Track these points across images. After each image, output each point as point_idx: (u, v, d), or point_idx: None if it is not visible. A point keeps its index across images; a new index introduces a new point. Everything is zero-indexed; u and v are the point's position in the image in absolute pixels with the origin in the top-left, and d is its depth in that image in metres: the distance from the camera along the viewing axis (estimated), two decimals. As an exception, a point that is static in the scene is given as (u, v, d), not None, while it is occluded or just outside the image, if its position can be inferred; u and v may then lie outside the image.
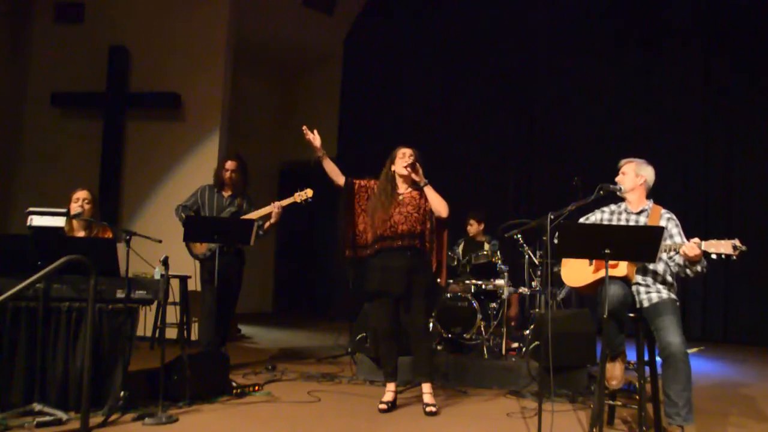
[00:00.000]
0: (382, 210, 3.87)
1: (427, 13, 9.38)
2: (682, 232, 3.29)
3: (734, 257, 2.96)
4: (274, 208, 4.62)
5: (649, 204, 3.41)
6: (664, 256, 3.23)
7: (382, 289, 3.86)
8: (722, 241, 2.98)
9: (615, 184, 3.43)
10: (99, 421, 3.26)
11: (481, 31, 9.06)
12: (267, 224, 4.66)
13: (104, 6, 7.33)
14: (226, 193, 4.88)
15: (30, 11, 7.51)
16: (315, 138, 3.97)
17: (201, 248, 4.77)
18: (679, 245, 3.10)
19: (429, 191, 3.88)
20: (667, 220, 3.31)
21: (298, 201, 4.62)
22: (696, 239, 3.05)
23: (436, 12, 9.29)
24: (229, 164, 4.88)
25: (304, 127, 3.99)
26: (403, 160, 3.91)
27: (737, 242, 2.96)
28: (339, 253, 4.08)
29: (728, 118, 8.02)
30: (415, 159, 3.91)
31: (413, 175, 3.88)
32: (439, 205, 3.88)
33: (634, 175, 3.40)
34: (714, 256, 3.00)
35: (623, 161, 3.49)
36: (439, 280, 4.07)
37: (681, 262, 3.17)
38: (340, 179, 4.01)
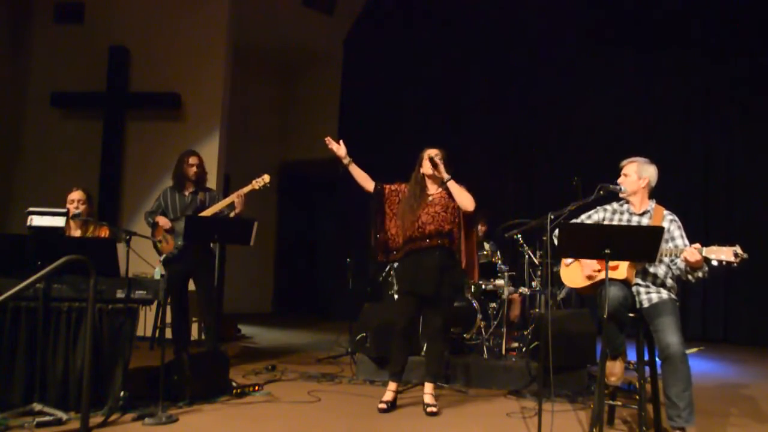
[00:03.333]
0: (410, 212, 3.89)
1: (427, 14, 9.37)
2: (684, 234, 3.27)
3: (735, 264, 2.95)
4: (235, 197, 4.65)
5: (651, 205, 3.38)
6: (666, 259, 3.21)
7: (412, 290, 3.88)
8: (723, 248, 2.95)
9: (616, 184, 3.40)
10: (99, 421, 3.26)
11: (481, 31, 9.05)
12: (232, 214, 4.68)
13: (104, 6, 7.33)
14: (188, 191, 4.89)
15: (30, 11, 7.51)
16: (339, 148, 4.00)
17: (167, 247, 4.79)
18: (681, 250, 3.09)
19: (452, 186, 3.86)
20: (669, 222, 3.28)
21: (257, 188, 4.67)
22: (697, 245, 3.03)
23: (436, 13, 9.28)
24: (193, 159, 4.91)
25: (328, 138, 4.01)
26: (427, 161, 3.93)
27: (738, 249, 2.93)
28: (371, 257, 4.12)
29: (729, 117, 8.02)
30: (441, 157, 3.91)
31: (435, 172, 3.88)
32: (464, 200, 3.84)
33: (637, 178, 3.36)
34: (715, 263, 2.98)
35: (625, 162, 3.43)
36: (468, 278, 4.08)
37: (682, 266, 3.15)
38: (369, 185, 4.02)
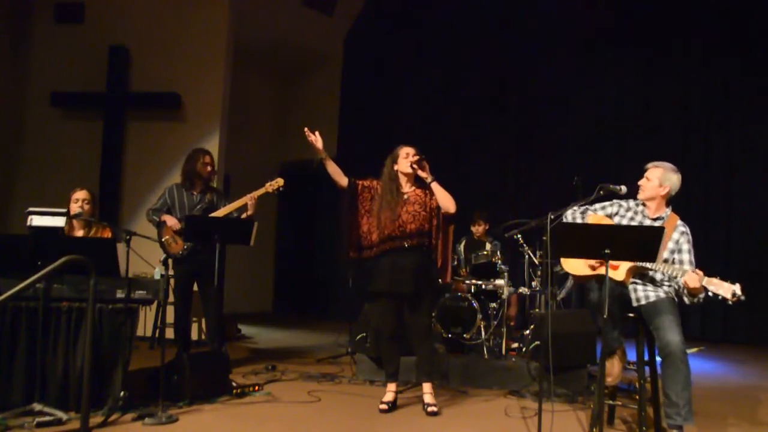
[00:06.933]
0: (389, 210, 3.84)
1: (426, 14, 9.37)
2: (692, 250, 3.25)
3: (730, 302, 2.94)
4: (249, 199, 4.59)
5: (667, 212, 3.36)
6: (668, 272, 3.17)
7: (391, 290, 3.82)
8: (724, 283, 2.94)
9: (616, 184, 3.39)
10: (99, 421, 3.26)
11: (480, 30, 9.06)
12: (244, 215, 4.61)
13: (104, 6, 7.33)
14: (195, 191, 4.80)
15: (30, 11, 7.51)
16: (317, 140, 3.95)
17: (176, 247, 4.70)
18: (683, 272, 3.07)
19: (436, 187, 3.85)
20: (680, 233, 3.26)
21: (270, 191, 4.60)
22: (699, 272, 3.02)
23: (436, 12, 9.29)
24: (208, 158, 4.83)
25: (306, 129, 3.99)
26: (407, 159, 3.89)
27: (738, 290, 2.92)
28: (342, 255, 4.06)
29: (729, 117, 8.03)
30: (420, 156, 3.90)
31: (420, 172, 3.86)
32: (447, 201, 3.84)
33: (658, 185, 3.32)
34: (711, 294, 2.98)
35: (650, 165, 3.39)
36: (441, 279, 4.06)
37: (681, 285, 3.14)
38: (342, 180, 3.98)
